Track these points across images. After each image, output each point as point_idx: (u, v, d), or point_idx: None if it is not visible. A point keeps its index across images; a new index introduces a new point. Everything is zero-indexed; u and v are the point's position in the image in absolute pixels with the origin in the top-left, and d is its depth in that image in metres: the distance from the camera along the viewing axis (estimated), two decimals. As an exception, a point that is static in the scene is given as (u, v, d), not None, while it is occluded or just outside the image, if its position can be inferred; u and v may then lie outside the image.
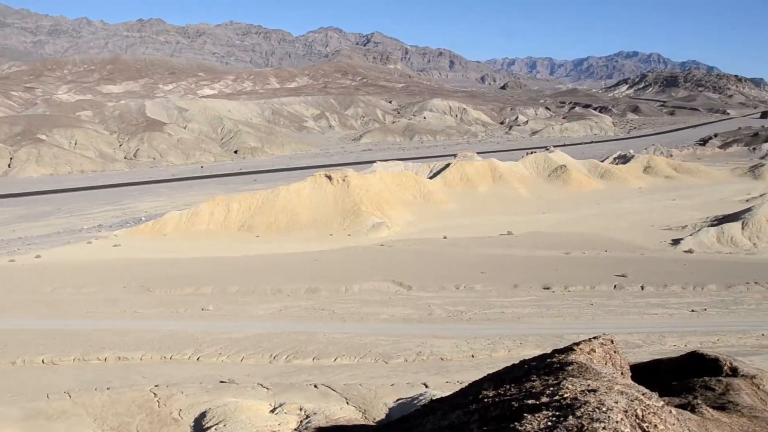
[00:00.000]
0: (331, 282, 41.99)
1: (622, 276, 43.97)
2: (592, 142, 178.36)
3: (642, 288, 41.86)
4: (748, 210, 59.41)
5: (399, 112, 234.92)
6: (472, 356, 28.07)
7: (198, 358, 27.10)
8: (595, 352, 7.41)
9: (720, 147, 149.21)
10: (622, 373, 7.68)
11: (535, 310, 36.33)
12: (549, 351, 7.65)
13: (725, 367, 9.95)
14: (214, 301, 37.70)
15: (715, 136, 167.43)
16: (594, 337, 7.93)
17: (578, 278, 43.24)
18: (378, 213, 62.91)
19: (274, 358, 27.16)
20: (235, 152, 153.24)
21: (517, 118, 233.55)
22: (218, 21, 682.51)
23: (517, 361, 8.17)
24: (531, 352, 23.56)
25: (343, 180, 65.69)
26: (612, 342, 8.03)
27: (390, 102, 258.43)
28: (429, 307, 36.41)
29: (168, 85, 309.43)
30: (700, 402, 8.36)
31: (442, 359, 27.50)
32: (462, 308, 36.34)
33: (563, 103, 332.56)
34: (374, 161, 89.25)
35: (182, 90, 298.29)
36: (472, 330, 32.28)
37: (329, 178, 66.20)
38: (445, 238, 57.58)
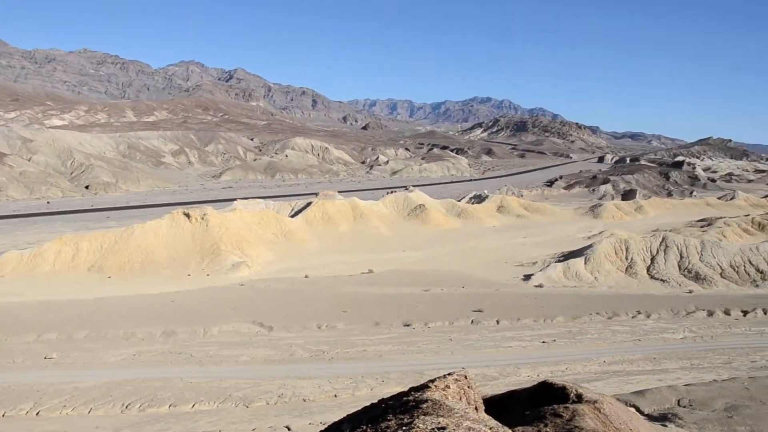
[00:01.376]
0: (189, 324, 40.34)
1: (479, 311, 45.66)
2: (449, 183, 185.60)
3: (497, 322, 43.66)
4: (590, 246, 64.03)
5: (261, 150, 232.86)
6: (335, 396, 27.88)
7: (37, 413, 24.90)
8: (449, 388, 7.58)
9: (564, 188, 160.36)
10: (476, 408, 7.89)
11: (397, 347, 36.80)
12: (408, 388, 7.74)
13: (572, 394, 10.54)
14: (59, 349, 34.96)
15: (560, 178, 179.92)
16: (449, 374, 8.13)
17: (437, 314, 44.37)
18: (238, 252, 61.56)
19: (126, 407, 25.53)
20: (87, 187, 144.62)
21: (377, 158, 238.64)
22: (71, 48, 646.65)
23: (378, 399, 8.19)
24: (393, 389, 23.77)
25: (202, 218, 63.83)
26: (466, 377, 8.26)
27: (252, 139, 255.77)
28: (291, 348, 35.87)
29: (10, 113, 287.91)
30: (549, 429, 8.76)
31: (305, 400, 27.09)
32: (324, 348, 36.11)
33: (422, 144, 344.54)
34: (235, 199, 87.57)
35: (27, 119, 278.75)
36: (334, 369, 32.11)
37: (187, 215, 64.06)
38: (306, 277, 57.28)
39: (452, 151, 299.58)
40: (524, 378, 31.61)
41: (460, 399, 7.58)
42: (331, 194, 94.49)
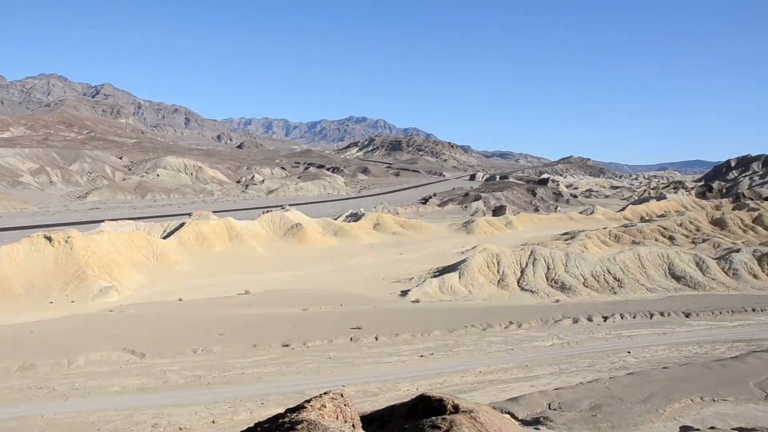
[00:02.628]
0: (51, 355, 37.62)
1: (358, 328, 45.81)
2: (326, 201, 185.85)
3: (376, 338, 43.96)
4: (464, 261, 66.10)
5: (130, 169, 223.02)
6: (213, 422, 26.93)
7: None
8: (326, 407, 7.53)
9: (438, 205, 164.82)
10: (353, 425, 7.87)
11: (276, 368, 36.17)
12: (284, 410, 7.59)
13: (449, 406, 10.76)
14: None
15: (434, 195, 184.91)
16: (325, 393, 8.07)
17: (316, 333, 44.08)
18: (106, 276, 58.37)
19: (-23, 450, 23.38)
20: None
21: (253, 177, 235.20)
22: None
23: (259, 422, 7.97)
24: (273, 411, 23.25)
25: (66, 241, 60.00)
26: (342, 395, 8.23)
27: (121, 158, 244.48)
28: (165, 375, 34.32)
29: None
30: (428, 441, 8.86)
31: (181, 429, 25.97)
32: (200, 372, 34.86)
33: (298, 163, 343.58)
34: (102, 221, 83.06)
35: None
36: (211, 394, 31.04)
37: (49, 239, 59.98)
38: (180, 300, 55.21)
39: (328, 170, 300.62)
40: (404, 392, 31.97)
41: (337, 417, 7.52)
42: (205, 214, 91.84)
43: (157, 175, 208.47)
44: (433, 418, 10.03)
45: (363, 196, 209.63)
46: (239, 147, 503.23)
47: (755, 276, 71.00)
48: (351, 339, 43.56)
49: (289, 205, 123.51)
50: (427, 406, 11.25)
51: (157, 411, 28.01)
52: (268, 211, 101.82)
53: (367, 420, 12.41)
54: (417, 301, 56.94)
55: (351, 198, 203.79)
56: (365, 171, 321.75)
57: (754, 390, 34.88)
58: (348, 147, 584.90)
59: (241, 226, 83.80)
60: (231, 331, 44.56)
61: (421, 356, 40.38)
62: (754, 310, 57.72)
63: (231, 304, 54.21)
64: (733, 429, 26.09)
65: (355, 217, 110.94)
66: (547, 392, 32.64)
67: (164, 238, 76.86)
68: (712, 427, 26.35)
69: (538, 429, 26.76)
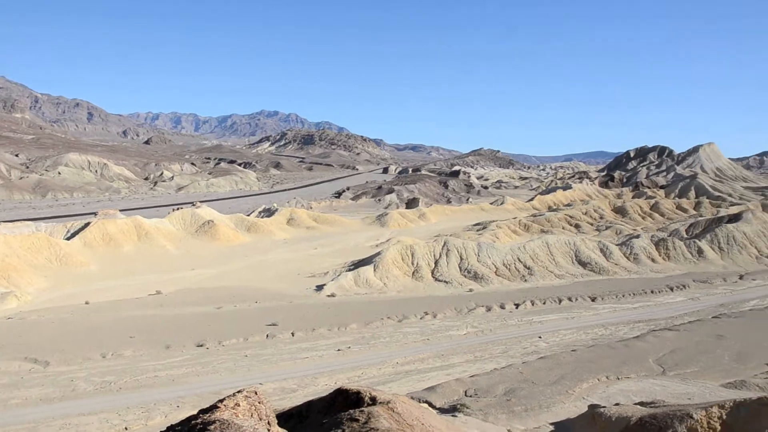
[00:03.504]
0: (-55, 368, 35.35)
1: (274, 325, 45.36)
2: (238, 197, 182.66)
3: (293, 334, 43.67)
4: (378, 254, 66.54)
5: (28, 167, 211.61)
6: (125, 429, 26.09)
7: None
8: (239, 406, 7.44)
9: (352, 199, 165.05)
10: (268, 422, 7.80)
11: (191, 369, 35.36)
12: (197, 411, 7.43)
13: (366, 398, 10.83)
14: None
15: (348, 189, 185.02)
16: (238, 391, 7.96)
17: (231, 332, 43.34)
18: (4, 282, 55.32)
19: None
20: None
21: (162, 173, 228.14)
22: None
23: (171, 425, 7.76)
24: (188, 414, 22.72)
25: (-42, 246, 56.45)
26: (256, 393, 8.15)
27: (17, 155, 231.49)
28: (72, 383, 32.87)
29: None
30: (347, 434, 8.89)
31: (90, 437, 25.00)
32: (110, 378, 33.60)
33: (209, 158, 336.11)
34: (-2, 223, 78.63)
35: None
36: (123, 400, 30.00)
37: (-62, 245, 56.29)
38: (87, 303, 52.98)
39: (240, 165, 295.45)
40: (322, 387, 31.97)
41: (252, 415, 7.44)
42: (111, 213, 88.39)
43: (59, 173, 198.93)
44: (351, 411, 10.08)
45: (276, 191, 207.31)
46: (147, 143, 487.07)
47: (653, 260, 74.96)
48: (267, 336, 43.09)
49: (200, 201, 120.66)
50: (345, 400, 11.29)
51: (65, 421, 26.86)
52: (178, 209, 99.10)
53: (286, 416, 12.33)
54: (333, 295, 56.92)
55: (264, 193, 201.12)
56: (278, 166, 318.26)
57: (653, 366, 36.93)
58: (260, 141, 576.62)
59: (150, 225, 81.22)
60: (142, 333, 43.17)
61: (339, 350, 40.43)
62: (652, 291, 60.98)
63: (142, 305, 52.48)
64: (635, 403, 27.50)
65: (269, 212, 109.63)
66: (463, 380, 33.39)
67: (68, 239, 73.50)
68: (617, 404, 27.67)
69: (456, 416, 27.33)
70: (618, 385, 33.25)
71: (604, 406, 26.64)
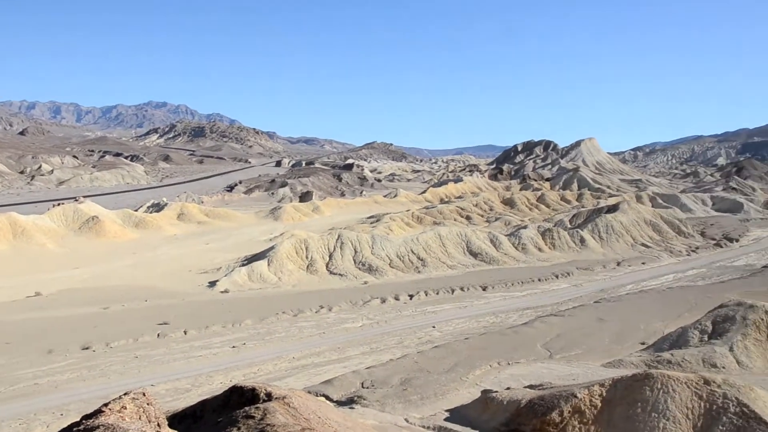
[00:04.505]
0: None
1: (165, 324, 43.94)
2: (125, 192, 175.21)
3: (185, 333, 42.47)
4: (272, 248, 65.79)
5: None
6: (1, 441, 24.51)
7: None
8: (126, 408, 7.15)
9: (245, 192, 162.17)
10: (158, 424, 7.55)
11: (76, 374, 33.65)
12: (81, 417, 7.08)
13: (262, 394, 10.69)
14: None
15: (240, 182, 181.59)
16: (125, 394, 7.65)
17: (120, 333, 41.60)
18: None
19: None
20: None
21: (40, 167, 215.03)
22: None
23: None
24: (74, 421, 21.63)
25: None
26: (144, 395, 7.86)
27: None
28: (-60, 393, 30.52)
29: None
30: (243, 431, 8.75)
31: (-39, 452, 23.30)
32: (-16, 387, 31.43)
33: (93, 151, 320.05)
34: None
35: None
36: (-1, 410, 28.15)
37: None
38: (-43, 307, 49.24)
39: (127, 158, 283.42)
40: (218, 386, 31.29)
41: (140, 418, 7.17)
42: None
43: None
44: (247, 408, 9.92)
45: (165, 185, 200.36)
46: (22, 134, 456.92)
47: (540, 249, 78.32)
48: (158, 335, 41.68)
49: (84, 196, 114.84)
50: (241, 397, 11.10)
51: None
52: (59, 204, 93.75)
53: (179, 418, 11.97)
54: (226, 291, 55.78)
55: (152, 187, 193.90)
56: (167, 159, 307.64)
57: (541, 351, 38.67)
58: (148, 134, 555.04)
59: (27, 222, 76.42)
60: (20, 338, 40.63)
61: (234, 347, 39.72)
62: (539, 279, 63.74)
63: (19, 308, 49.32)
64: (525, 387, 28.72)
65: (158, 207, 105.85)
66: (360, 372, 33.66)
67: (-67, 238, 67.95)
68: (508, 388, 28.78)
69: (353, 408, 27.49)
70: (509, 370, 34.57)
71: (496, 391, 27.63)
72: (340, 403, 28.41)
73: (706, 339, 36.20)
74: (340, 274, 63.06)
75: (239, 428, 8.94)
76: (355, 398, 29.22)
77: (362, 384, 31.44)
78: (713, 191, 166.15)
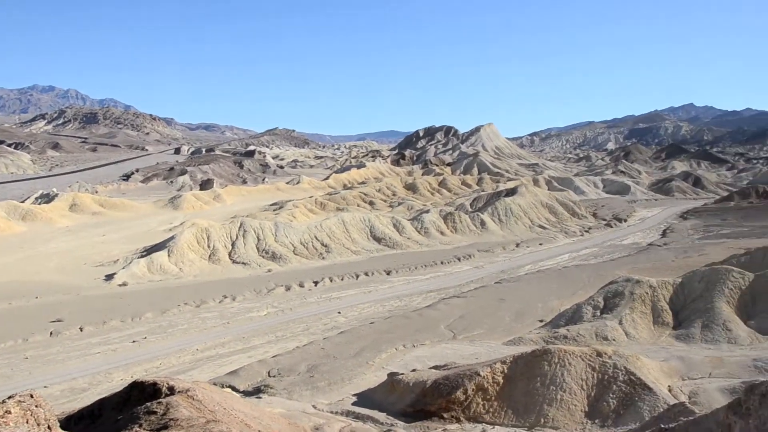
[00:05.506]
0: None
1: (58, 321, 41.86)
2: (9, 182, 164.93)
3: (81, 329, 40.64)
4: (172, 238, 63.87)
5: None
6: None
7: None
8: (11, 413, 6.77)
9: (142, 181, 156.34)
10: (48, 427, 7.20)
11: (-42, 378, 31.57)
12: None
13: (164, 389, 10.39)
14: None
15: (137, 171, 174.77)
16: (9, 397, 7.24)
17: (7, 333, 39.25)
18: None
19: None
20: None
21: None
22: None
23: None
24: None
25: None
26: (32, 396, 7.46)
27: None
28: None
29: None
30: (145, 428, 8.49)
31: None
32: None
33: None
34: None
35: None
36: None
37: None
38: None
39: (10, 146, 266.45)
40: (118, 383, 30.17)
41: (27, 421, 6.81)
42: None
43: None
44: (148, 403, 9.62)
45: (55, 175, 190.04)
46: None
47: (442, 233, 79.98)
48: (51, 334, 39.66)
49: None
50: (142, 393, 10.74)
51: None
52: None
53: (76, 418, 11.47)
54: (124, 284, 53.73)
55: (41, 177, 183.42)
56: (56, 147, 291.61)
57: (445, 332, 39.62)
58: (34, 120, 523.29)
59: None
60: None
61: (134, 342, 38.40)
62: (442, 262, 65.13)
63: None
64: (431, 368, 29.37)
65: (47, 198, 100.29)
66: (266, 361, 33.36)
67: None
68: (414, 369, 29.33)
69: (260, 397, 27.25)
70: (414, 352, 35.21)
71: (402, 373, 28.09)
72: (246, 394, 28.07)
73: (599, 314, 38.21)
74: (243, 263, 62.08)
75: (141, 425, 8.65)
76: (262, 387, 28.96)
77: (269, 373, 31.18)
78: (604, 174, 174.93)
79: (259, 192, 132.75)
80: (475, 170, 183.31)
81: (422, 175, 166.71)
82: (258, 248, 65.41)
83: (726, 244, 71.41)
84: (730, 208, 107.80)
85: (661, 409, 21.29)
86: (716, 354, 30.60)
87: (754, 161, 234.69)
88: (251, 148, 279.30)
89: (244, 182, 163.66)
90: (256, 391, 28.55)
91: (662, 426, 15.76)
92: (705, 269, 40.62)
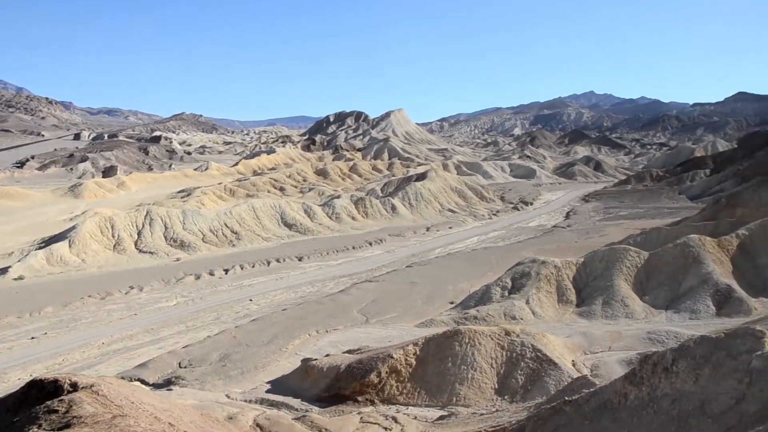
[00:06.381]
0: None
1: (-53, 317, 39.32)
2: None
3: (-28, 326, 38.33)
4: (73, 228, 61.07)
5: None
6: None
7: None
8: None
9: (38, 169, 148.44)
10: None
11: None
12: None
13: (66, 386, 9.92)
14: None
15: (33, 158, 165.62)
16: None
17: None
18: None
19: None
20: None
21: None
22: None
23: None
24: None
25: None
26: None
27: None
28: None
29: None
30: (45, 428, 8.09)
31: None
32: None
33: None
34: None
35: None
36: None
37: None
38: None
39: None
40: (15, 383, 28.65)
41: None
42: None
43: None
44: (49, 402, 9.17)
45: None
46: None
47: (353, 218, 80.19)
48: (-61, 331, 37.21)
49: None
50: (41, 392, 10.22)
51: None
52: None
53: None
54: (21, 278, 50.93)
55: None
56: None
57: (357, 316, 39.87)
58: None
59: None
60: None
61: (33, 338, 36.56)
62: (354, 247, 65.35)
63: None
64: (344, 352, 29.51)
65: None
66: (176, 351, 32.54)
67: None
68: (327, 355, 29.38)
69: (171, 390, 26.60)
70: (327, 338, 35.24)
71: (315, 359, 28.10)
72: (156, 386, 27.33)
73: (507, 294, 39.43)
74: (150, 252, 60.15)
75: (40, 426, 8.23)
76: (173, 379, 28.26)
77: (179, 364, 30.46)
78: (511, 159, 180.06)
79: (165, 179, 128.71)
80: (386, 155, 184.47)
81: (333, 160, 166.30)
82: (165, 237, 63.52)
83: (624, 225, 75.16)
84: (627, 191, 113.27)
85: (566, 383, 22.24)
86: (615, 329, 32.22)
87: (648, 146, 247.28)
88: (157, 133, 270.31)
89: (150, 169, 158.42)
90: (166, 383, 27.84)
91: (566, 398, 16.46)
92: (605, 249, 42.60)
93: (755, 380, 12.50)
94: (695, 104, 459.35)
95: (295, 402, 24.63)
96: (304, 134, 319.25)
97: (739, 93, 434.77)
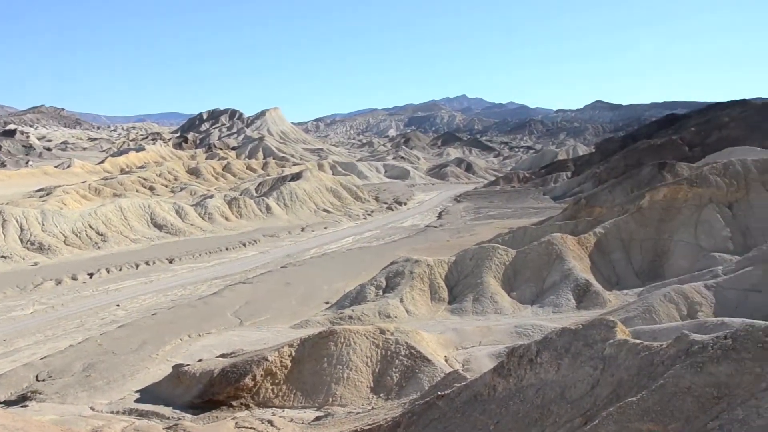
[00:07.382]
0: None
1: None
2: None
3: None
4: None
5: None
6: None
7: None
8: None
9: None
10: None
11: None
12: None
13: None
14: None
15: None
16: None
17: None
18: None
19: None
20: None
21: None
22: None
23: None
24: None
25: None
26: None
27: None
28: None
29: None
30: None
31: None
32: None
33: None
34: None
35: None
36: None
37: None
38: None
39: None
40: None
41: None
42: None
43: None
44: None
45: None
46: None
47: (227, 218, 78.48)
48: None
49: None
50: None
51: None
52: None
53: None
54: None
55: None
56: None
57: (232, 319, 39.12)
58: None
59: None
60: None
61: None
62: (227, 249, 63.99)
63: None
64: (218, 356, 28.85)
65: None
66: (33, 364, 30.48)
67: None
68: (200, 360, 28.59)
69: (27, 406, 24.92)
70: (200, 342, 34.29)
71: (188, 364, 27.27)
72: (9, 403, 25.49)
73: (381, 293, 40.07)
74: (3, 256, 55.87)
75: None
76: (29, 394, 26.44)
77: (37, 377, 28.54)
78: (385, 160, 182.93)
79: (21, 176, 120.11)
80: (261, 155, 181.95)
81: (206, 159, 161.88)
82: (21, 239, 59.26)
83: (493, 224, 78.45)
84: (496, 191, 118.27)
85: (439, 378, 22.93)
86: (485, 324, 33.58)
87: (516, 149, 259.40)
88: (11, 127, 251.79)
89: (4, 165, 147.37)
90: (21, 399, 26.03)
91: (439, 393, 16.99)
92: (475, 247, 44.30)
93: (607, 366, 13.48)
94: (558, 110, 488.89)
95: (167, 410, 23.81)
96: (175, 131, 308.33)
97: (597, 101, 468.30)
